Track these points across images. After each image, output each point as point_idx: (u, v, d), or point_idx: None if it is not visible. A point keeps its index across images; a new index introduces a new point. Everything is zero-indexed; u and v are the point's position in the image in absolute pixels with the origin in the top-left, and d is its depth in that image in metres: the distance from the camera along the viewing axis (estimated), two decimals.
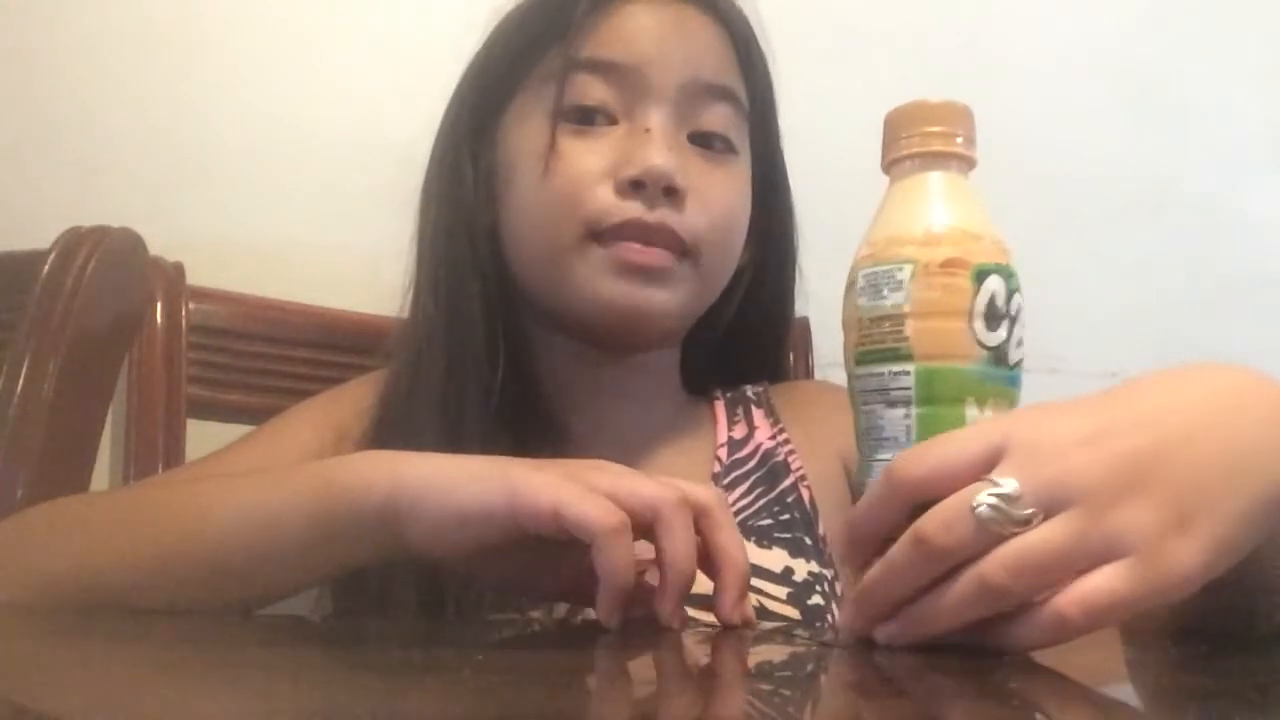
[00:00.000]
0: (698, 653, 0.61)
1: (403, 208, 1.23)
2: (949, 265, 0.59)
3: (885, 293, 0.59)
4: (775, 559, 0.87)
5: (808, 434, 0.97)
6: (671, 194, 0.87)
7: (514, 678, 0.49)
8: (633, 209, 0.86)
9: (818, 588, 0.86)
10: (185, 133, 1.22)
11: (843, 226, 1.19)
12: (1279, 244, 1.37)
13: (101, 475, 0.96)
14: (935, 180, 0.61)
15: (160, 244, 1.06)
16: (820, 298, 1.13)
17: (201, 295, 1.07)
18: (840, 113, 1.30)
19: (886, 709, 0.44)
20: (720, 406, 1.00)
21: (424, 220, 0.97)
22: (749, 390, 1.02)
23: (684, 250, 0.88)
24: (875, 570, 0.53)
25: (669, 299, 0.89)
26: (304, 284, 1.15)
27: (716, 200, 0.90)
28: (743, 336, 1.04)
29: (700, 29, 0.93)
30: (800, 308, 1.15)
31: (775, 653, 0.62)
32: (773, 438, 0.97)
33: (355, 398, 0.92)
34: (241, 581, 0.68)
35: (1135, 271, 1.34)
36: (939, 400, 0.58)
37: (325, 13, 1.28)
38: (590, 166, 0.88)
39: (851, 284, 0.61)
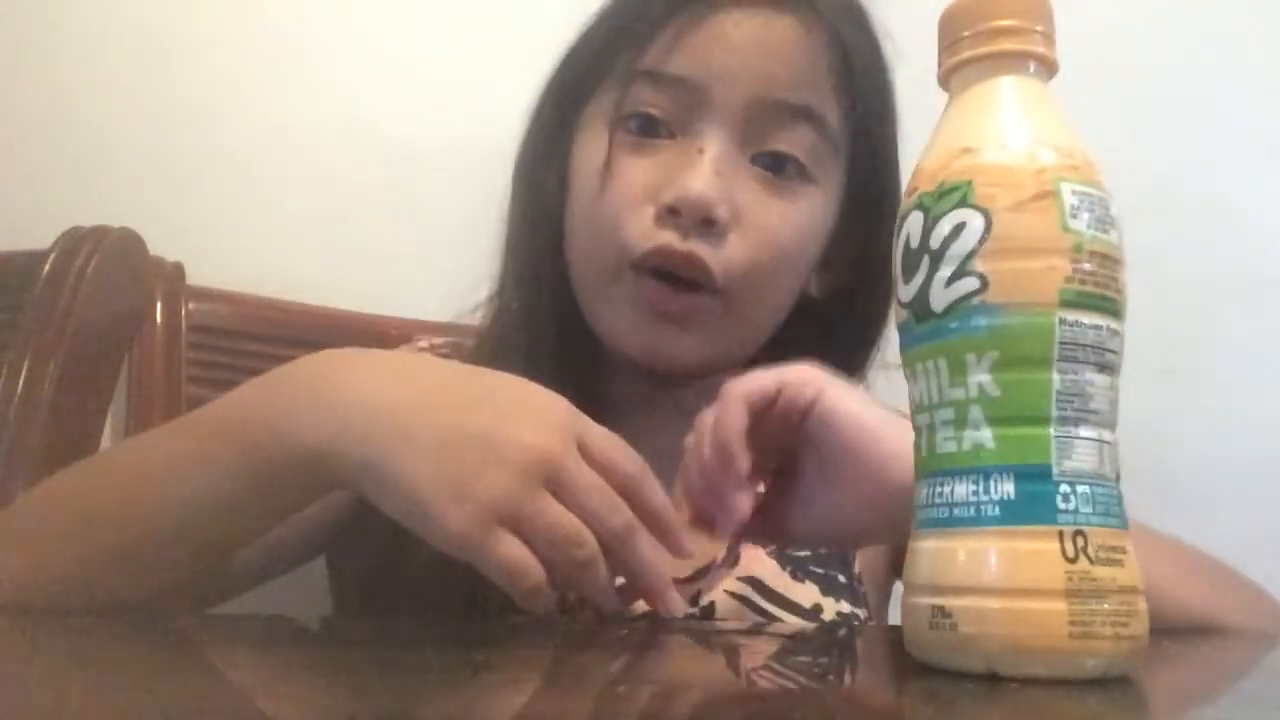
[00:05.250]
0: (698, 653, 0.61)
1: (402, 208, 1.23)
2: None
3: (1109, 228, 0.46)
4: (806, 594, 0.83)
5: None
6: (710, 225, 0.81)
7: (513, 678, 0.49)
8: (664, 236, 0.81)
9: (843, 630, 0.82)
10: (185, 133, 1.22)
11: None
12: (1279, 244, 1.37)
13: None
14: (1040, 88, 0.50)
15: (160, 244, 1.05)
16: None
17: (201, 295, 1.07)
18: None
19: (885, 709, 0.44)
20: None
21: (509, 219, 0.94)
22: None
23: (713, 288, 0.83)
24: None
25: (693, 343, 0.85)
26: (304, 284, 1.14)
27: (767, 233, 0.84)
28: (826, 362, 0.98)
29: (787, 42, 0.84)
30: None
31: (775, 653, 0.62)
32: None
33: None
34: (198, 553, 0.68)
35: (1135, 271, 1.34)
36: (1118, 371, 0.47)
37: (325, 13, 1.28)
38: (638, 186, 0.83)
39: (1045, 194, 0.45)
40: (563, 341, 0.88)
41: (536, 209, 0.91)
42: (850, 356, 0.94)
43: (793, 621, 0.81)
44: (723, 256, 0.82)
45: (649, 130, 0.85)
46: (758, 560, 0.84)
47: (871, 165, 0.91)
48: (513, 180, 0.94)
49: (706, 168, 0.81)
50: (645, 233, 0.82)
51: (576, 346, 0.89)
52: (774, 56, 0.84)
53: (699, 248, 0.81)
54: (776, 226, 0.84)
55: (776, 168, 0.85)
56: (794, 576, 0.84)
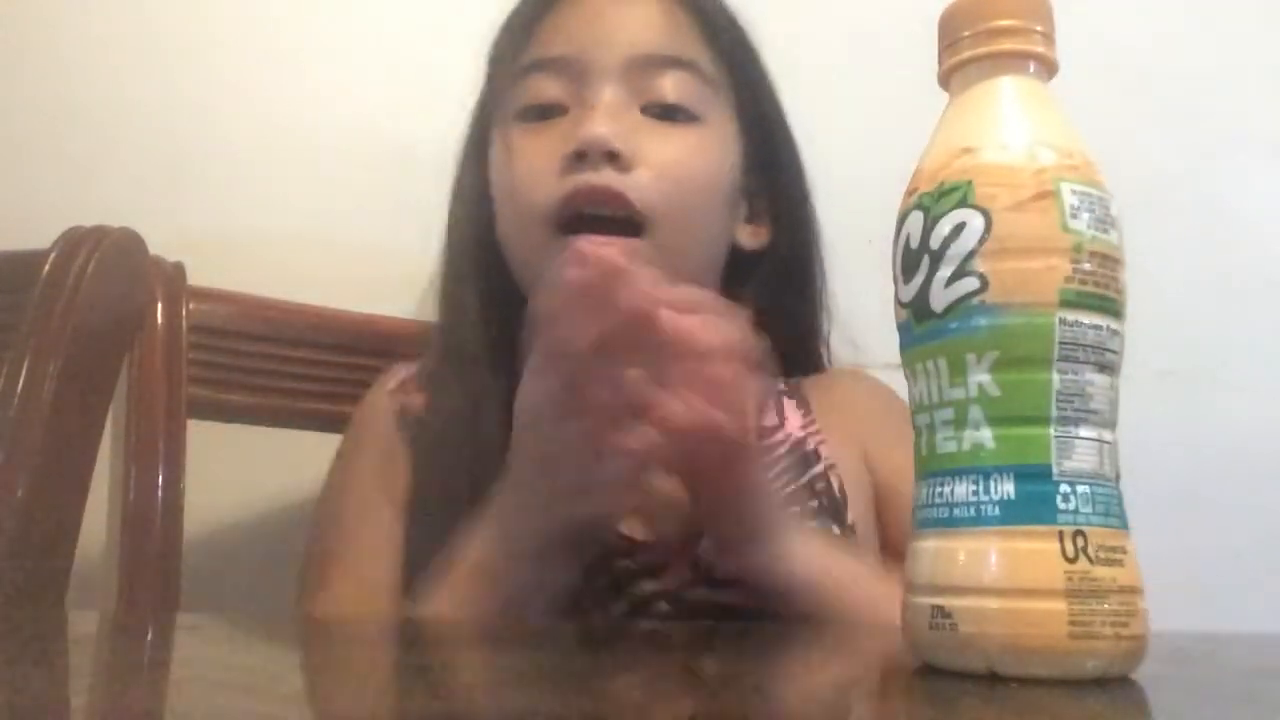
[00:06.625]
0: (697, 651, 0.61)
1: (403, 208, 1.23)
2: None
3: (1109, 227, 0.47)
4: None
5: (838, 424, 0.96)
6: (614, 159, 0.87)
7: (514, 678, 0.49)
8: (576, 179, 0.87)
9: None
10: (185, 133, 1.21)
11: (840, 225, 1.19)
12: (1279, 244, 1.36)
13: (101, 475, 0.96)
14: (1040, 88, 0.50)
15: (160, 244, 1.05)
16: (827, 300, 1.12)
17: (201, 295, 1.06)
18: (841, 114, 1.29)
19: (885, 709, 0.44)
20: None
21: (448, 226, 1.02)
22: (780, 383, 1.00)
23: (636, 219, 0.87)
24: None
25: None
26: (304, 284, 1.14)
27: (670, 162, 0.89)
28: (772, 323, 1.02)
29: (650, 10, 0.94)
30: None
31: (775, 653, 0.62)
32: (803, 428, 0.95)
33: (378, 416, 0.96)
34: None
35: (1135, 272, 1.33)
36: (1118, 371, 0.47)
37: (325, 12, 1.28)
38: (540, 157, 0.90)
39: (1045, 194, 0.46)
40: (503, 329, 0.90)
41: (463, 226, 0.99)
42: (797, 309, 1.02)
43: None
44: (635, 183, 0.87)
45: (543, 116, 0.92)
46: None
47: (757, 110, 0.99)
48: (449, 206, 1.02)
49: (600, 113, 0.88)
50: (556, 187, 0.88)
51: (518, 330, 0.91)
52: (641, 23, 0.93)
53: (611, 178, 0.87)
54: (677, 155, 0.91)
55: (669, 116, 0.92)
56: None
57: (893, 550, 0.90)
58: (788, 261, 1.00)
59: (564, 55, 0.92)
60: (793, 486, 0.90)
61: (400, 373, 0.98)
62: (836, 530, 0.88)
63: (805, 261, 1.02)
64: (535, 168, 0.90)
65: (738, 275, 0.98)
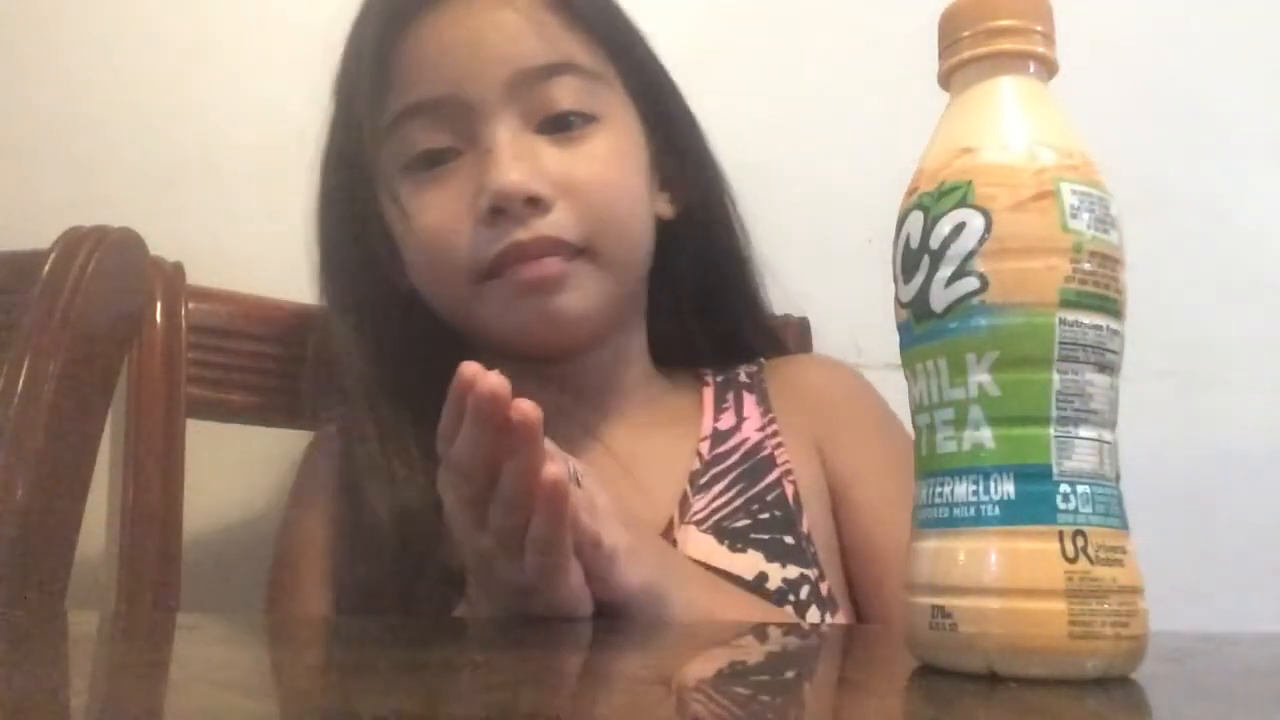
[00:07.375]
0: (698, 654, 0.61)
1: None
2: None
3: (1109, 228, 0.46)
4: (748, 564, 0.84)
5: (794, 418, 0.95)
6: (536, 203, 0.84)
7: (514, 678, 0.48)
8: (505, 236, 0.84)
9: (790, 596, 0.83)
10: (185, 133, 1.21)
11: (840, 225, 1.19)
12: (1279, 244, 1.36)
13: (101, 475, 0.96)
14: (1040, 88, 0.50)
15: (160, 244, 1.05)
16: (819, 297, 1.13)
17: (201, 295, 1.07)
18: (841, 114, 1.29)
19: (885, 709, 0.44)
20: (709, 393, 0.97)
21: (321, 264, 0.98)
22: (742, 372, 0.99)
23: (576, 251, 0.85)
24: None
25: (581, 300, 0.86)
26: (304, 284, 1.14)
27: (587, 182, 0.86)
28: (711, 296, 1.01)
29: (498, 15, 0.87)
30: (800, 307, 1.14)
31: (774, 652, 0.62)
32: (761, 429, 0.93)
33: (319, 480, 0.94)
34: None
35: (1135, 271, 1.32)
36: (1118, 371, 0.47)
37: (326, 13, 1.27)
38: (446, 212, 0.86)
39: (1045, 194, 0.45)
40: (419, 351, 0.90)
41: (356, 282, 0.95)
42: (729, 275, 1.00)
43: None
44: (563, 221, 0.85)
45: (436, 162, 0.87)
46: (693, 539, 0.85)
47: (646, 84, 0.94)
48: (322, 265, 0.98)
49: (503, 157, 0.84)
50: (480, 245, 0.84)
51: (436, 353, 0.86)
52: (506, 36, 0.87)
53: (542, 228, 0.84)
54: (591, 170, 0.87)
55: (562, 126, 0.87)
56: (734, 548, 0.85)
57: (851, 554, 0.90)
58: (707, 226, 0.99)
59: (438, 97, 0.87)
60: (742, 499, 0.88)
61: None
62: (789, 542, 0.86)
63: (723, 222, 1.00)
64: (446, 224, 0.86)
65: (663, 250, 0.95)
